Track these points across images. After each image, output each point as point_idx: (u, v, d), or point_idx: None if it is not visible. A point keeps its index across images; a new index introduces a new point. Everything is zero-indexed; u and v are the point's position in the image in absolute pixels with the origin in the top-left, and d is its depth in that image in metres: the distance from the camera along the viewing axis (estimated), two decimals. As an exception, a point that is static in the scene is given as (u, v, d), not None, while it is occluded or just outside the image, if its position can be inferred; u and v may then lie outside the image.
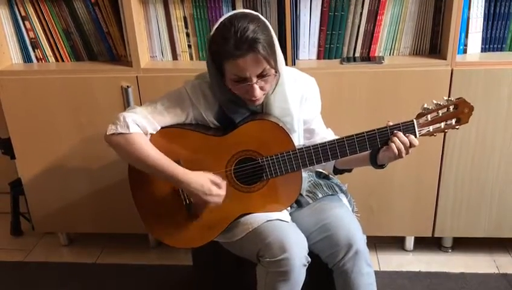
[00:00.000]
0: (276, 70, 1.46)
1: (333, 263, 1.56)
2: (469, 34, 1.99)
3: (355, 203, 1.79)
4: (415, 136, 1.46)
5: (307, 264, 1.50)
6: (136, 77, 2.04)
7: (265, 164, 1.53)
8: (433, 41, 2.03)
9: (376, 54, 2.05)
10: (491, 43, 2.02)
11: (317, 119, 1.69)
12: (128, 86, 2.04)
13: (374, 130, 1.47)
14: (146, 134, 1.54)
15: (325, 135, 1.69)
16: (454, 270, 2.18)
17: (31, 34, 2.16)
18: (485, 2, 1.94)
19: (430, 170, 2.09)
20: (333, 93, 1.98)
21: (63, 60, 2.20)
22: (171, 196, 1.60)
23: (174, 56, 2.13)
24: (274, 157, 1.52)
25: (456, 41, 1.91)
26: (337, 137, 1.54)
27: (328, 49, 2.05)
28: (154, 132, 1.55)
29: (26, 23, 2.14)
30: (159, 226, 1.65)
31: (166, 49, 2.12)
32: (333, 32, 2.02)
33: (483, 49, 2.03)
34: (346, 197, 1.74)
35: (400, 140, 1.45)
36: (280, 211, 1.60)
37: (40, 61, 2.21)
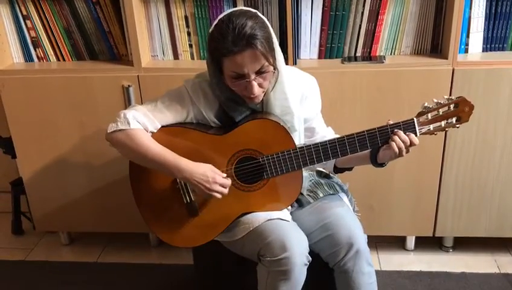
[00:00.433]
0: (275, 68, 1.46)
1: (334, 262, 1.56)
2: (470, 34, 1.99)
3: (356, 203, 1.79)
4: (416, 135, 1.46)
5: (308, 264, 1.50)
6: (137, 76, 2.04)
7: (266, 163, 1.53)
8: (435, 41, 2.03)
9: (377, 54, 2.05)
10: (492, 42, 2.02)
11: (317, 118, 1.69)
12: (129, 85, 2.04)
13: (375, 128, 1.47)
14: (147, 131, 1.54)
15: (326, 133, 1.69)
16: (455, 270, 2.17)
17: (32, 33, 2.16)
18: (486, 1, 1.94)
19: (431, 170, 2.09)
20: (334, 93, 1.98)
21: (64, 59, 2.20)
22: (172, 195, 1.60)
23: (175, 55, 2.13)
24: (275, 156, 1.52)
25: (458, 41, 1.91)
26: (337, 136, 1.54)
27: (329, 48, 2.05)
28: (155, 130, 1.55)
29: (28, 22, 2.14)
30: (160, 225, 1.65)
31: (167, 48, 2.12)
32: (334, 31, 2.02)
33: (485, 49, 2.03)
34: (347, 197, 1.74)
35: (400, 139, 1.45)
36: (281, 210, 1.59)
37: (41, 60, 2.21)
